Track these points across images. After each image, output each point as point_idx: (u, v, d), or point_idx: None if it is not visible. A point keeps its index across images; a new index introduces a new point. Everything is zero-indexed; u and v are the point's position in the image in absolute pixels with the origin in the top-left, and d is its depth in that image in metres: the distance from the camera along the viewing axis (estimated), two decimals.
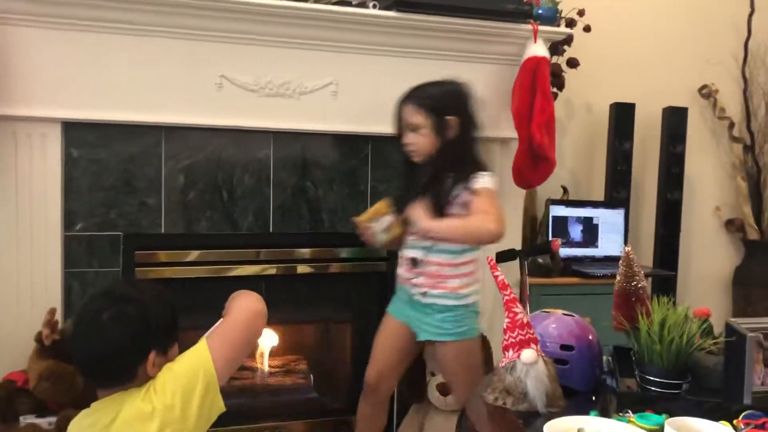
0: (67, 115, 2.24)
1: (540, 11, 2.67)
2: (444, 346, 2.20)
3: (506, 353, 1.64)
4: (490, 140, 2.74)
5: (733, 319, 1.75)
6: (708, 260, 3.97)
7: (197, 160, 2.42)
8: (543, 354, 1.65)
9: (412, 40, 2.54)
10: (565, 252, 3.25)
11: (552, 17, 2.72)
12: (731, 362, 1.69)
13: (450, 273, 2.16)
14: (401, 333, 2.27)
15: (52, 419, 2.06)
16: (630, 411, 1.50)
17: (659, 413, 1.46)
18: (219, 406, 1.46)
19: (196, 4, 2.25)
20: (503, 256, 2.66)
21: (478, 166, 2.15)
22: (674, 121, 3.59)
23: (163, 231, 2.40)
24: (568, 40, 3.14)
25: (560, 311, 1.88)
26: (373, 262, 2.64)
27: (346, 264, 2.65)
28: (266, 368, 2.86)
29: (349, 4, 2.49)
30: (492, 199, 2.09)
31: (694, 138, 3.72)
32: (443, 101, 2.16)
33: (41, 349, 2.08)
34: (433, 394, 2.53)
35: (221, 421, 1.49)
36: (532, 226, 3.38)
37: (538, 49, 2.61)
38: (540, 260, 3.09)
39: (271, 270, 2.56)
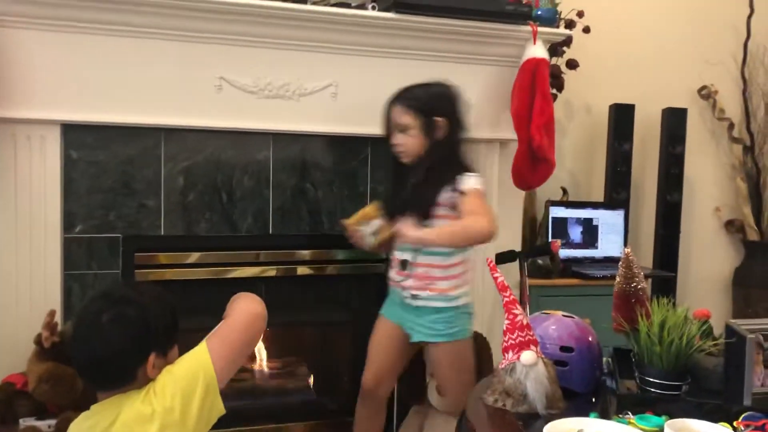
0: (67, 117, 2.24)
1: (539, 12, 2.67)
2: (436, 347, 2.21)
3: (506, 355, 1.63)
4: (489, 141, 2.75)
5: (732, 321, 1.75)
6: (708, 261, 3.97)
7: (196, 161, 2.41)
8: (543, 356, 1.64)
9: (411, 42, 2.54)
10: (564, 253, 3.25)
11: (551, 18, 2.72)
12: (731, 364, 1.69)
13: (439, 275, 2.17)
14: (395, 334, 2.28)
15: (52, 422, 2.06)
16: (630, 412, 1.50)
17: (659, 415, 1.46)
18: (219, 409, 1.46)
19: (195, 6, 2.25)
20: (503, 258, 2.67)
21: (466, 168, 2.17)
22: (674, 122, 3.59)
23: (162, 233, 2.40)
24: (568, 41, 3.15)
25: (560, 313, 1.88)
26: (373, 264, 2.64)
27: (346, 266, 2.65)
28: (266, 370, 2.86)
29: (349, 6, 2.49)
30: (481, 199, 2.11)
31: (694, 139, 3.72)
32: (431, 102, 2.18)
33: (41, 351, 2.07)
34: (433, 396, 2.52)
35: (221, 423, 1.49)
36: (532, 227, 3.38)
37: (538, 51, 2.61)
38: (540, 261, 3.09)
39: (271, 272, 2.56)
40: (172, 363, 1.47)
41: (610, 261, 3.27)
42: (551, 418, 1.46)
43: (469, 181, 2.12)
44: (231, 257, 2.52)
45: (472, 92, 2.65)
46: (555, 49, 3.11)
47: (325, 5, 2.47)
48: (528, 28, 2.60)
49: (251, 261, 2.55)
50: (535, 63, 2.60)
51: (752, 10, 3.84)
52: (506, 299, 1.65)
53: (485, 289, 2.72)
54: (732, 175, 3.98)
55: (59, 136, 2.25)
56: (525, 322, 1.63)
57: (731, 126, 3.90)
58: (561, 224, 3.33)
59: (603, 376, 1.84)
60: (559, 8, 2.91)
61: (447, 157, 2.17)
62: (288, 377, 2.88)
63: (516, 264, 2.72)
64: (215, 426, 1.47)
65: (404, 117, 2.17)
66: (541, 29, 2.61)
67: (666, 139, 3.59)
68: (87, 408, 1.45)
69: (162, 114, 2.32)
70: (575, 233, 3.35)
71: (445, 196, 2.13)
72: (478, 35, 2.59)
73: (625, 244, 3.37)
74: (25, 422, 2.08)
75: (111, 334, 1.39)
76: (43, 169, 2.23)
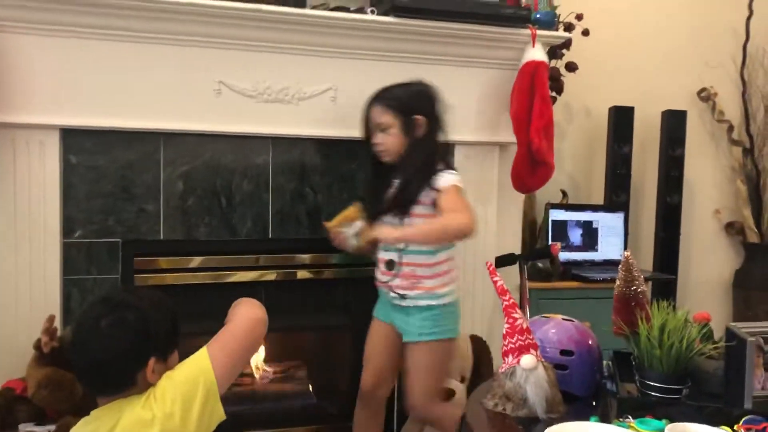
0: (66, 122, 2.24)
1: (538, 16, 2.68)
2: (418, 345, 2.21)
3: (506, 359, 1.63)
4: (488, 144, 2.75)
5: (733, 324, 1.74)
6: (708, 263, 3.97)
7: (196, 166, 2.41)
8: (543, 359, 1.64)
9: (410, 46, 2.54)
10: (564, 256, 3.25)
11: (550, 22, 2.72)
12: (731, 367, 1.69)
13: (425, 273, 2.18)
14: (390, 334, 2.29)
15: (52, 427, 2.05)
16: (630, 416, 1.50)
17: (659, 418, 1.46)
18: (219, 414, 1.46)
19: (193, 11, 2.25)
20: (503, 261, 2.67)
21: (446, 166, 2.19)
22: (673, 124, 3.59)
23: (161, 237, 2.40)
24: (567, 44, 3.15)
25: (560, 316, 1.88)
26: (372, 268, 2.63)
27: (345, 269, 2.64)
28: (266, 374, 2.86)
29: (347, 10, 2.49)
30: (459, 196, 2.12)
31: (694, 141, 3.72)
32: (411, 101, 2.20)
33: (40, 356, 2.07)
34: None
35: (221, 428, 1.49)
36: (532, 230, 3.38)
37: (537, 54, 2.61)
38: (540, 264, 3.08)
39: (270, 276, 2.56)
40: (172, 368, 1.47)
41: (610, 264, 3.27)
42: (551, 422, 1.46)
43: (447, 178, 2.13)
44: (230, 261, 2.52)
45: (471, 95, 2.67)
46: (554, 51, 3.11)
47: (324, 9, 2.47)
48: (527, 31, 2.61)
49: (251, 265, 2.55)
50: (534, 66, 2.60)
51: (751, 12, 3.84)
52: (506, 303, 1.65)
53: (485, 293, 2.72)
54: (732, 177, 3.97)
55: (58, 141, 2.25)
56: (525, 326, 1.63)
57: (731, 128, 3.90)
58: (561, 227, 3.33)
59: (603, 379, 1.83)
60: (558, 11, 2.91)
61: (427, 156, 2.18)
62: (288, 381, 2.87)
63: (516, 267, 2.72)
64: (215, 431, 1.47)
65: (384, 116, 2.19)
66: (540, 32, 2.62)
67: (666, 141, 3.59)
68: (87, 413, 1.45)
69: (161, 118, 2.32)
70: (575, 236, 3.35)
71: (425, 194, 2.14)
72: (477, 38, 2.59)
73: (625, 247, 3.37)
74: (25, 427, 2.08)
75: (110, 338, 1.39)
76: (43, 174, 2.23)
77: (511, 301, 1.65)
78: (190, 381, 1.43)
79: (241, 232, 2.49)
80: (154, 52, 2.29)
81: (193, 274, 2.47)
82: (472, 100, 2.68)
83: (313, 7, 2.48)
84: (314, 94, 2.48)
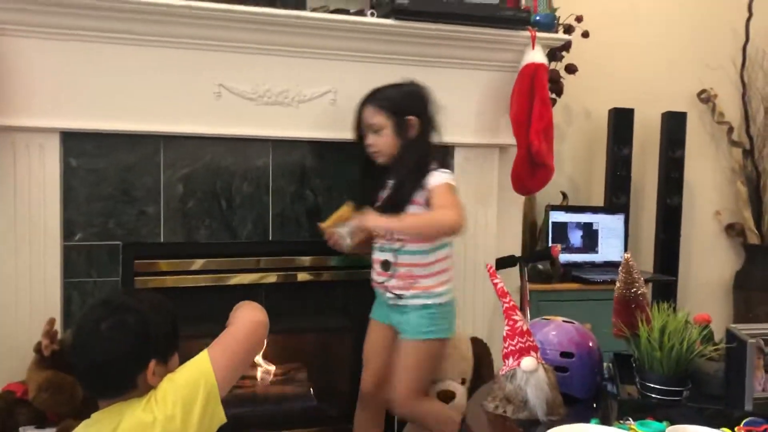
0: (66, 125, 2.24)
1: (538, 18, 2.68)
2: (412, 341, 2.21)
3: (506, 361, 1.64)
4: (488, 147, 2.75)
5: (733, 325, 1.75)
6: (708, 265, 3.97)
7: (196, 168, 2.41)
8: (543, 362, 1.65)
9: (410, 48, 2.54)
10: (565, 258, 3.25)
11: (550, 24, 2.72)
12: (732, 368, 1.69)
13: (421, 273, 2.19)
14: (388, 335, 2.29)
15: (52, 430, 2.05)
16: (631, 418, 1.50)
17: (660, 420, 1.46)
18: (220, 417, 1.46)
19: (193, 14, 2.25)
20: (503, 263, 2.67)
21: (438, 166, 2.19)
22: (673, 125, 3.60)
23: (162, 240, 2.39)
24: (567, 46, 3.15)
25: (560, 318, 1.88)
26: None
27: (346, 272, 2.64)
28: (266, 376, 2.85)
29: (347, 13, 2.49)
30: (450, 193, 2.13)
31: (694, 143, 3.73)
32: (403, 102, 2.21)
33: (40, 359, 2.07)
34: None
35: (222, 431, 1.49)
36: (532, 232, 3.38)
37: (536, 56, 2.61)
38: (540, 266, 3.08)
39: (271, 278, 2.56)
40: (172, 371, 1.47)
41: (611, 265, 3.27)
42: (552, 424, 1.46)
43: (439, 177, 2.14)
44: (231, 264, 2.52)
45: (471, 97, 2.67)
46: (554, 53, 3.12)
47: (324, 12, 2.47)
48: (527, 33, 2.61)
49: (251, 267, 2.54)
50: (533, 68, 2.60)
51: (751, 14, 3.84)
52: (506, 305, 1.65)
53: (485, 295, 2.72)
54: (732, 178, 3.98)
55: (58, 143, 2.25)
56: (525, 328, 1.63)
57: (731, 129, 3.90)
58: (561, 229, 3.33)
59: (604, 381, 1.84)
60: (557, 13, 2.91)
61: (420, 157, 2.19)
62: (288, 384, 2.87)
63: (516, 269, 2.72)
64: None
65: (377, 117, 2.20)
66: (539, 34, 2.62)
67: (666, 143, 3.60)
68: (87, 416, 1.45)
69: (161, 121, 2.32)
70: (575, 238, 3.35)
71: (419, 194, 2.15)
72: (477, 41, 2.59)
73: (626, 249, 3.37)
74: (26, 431, 2.08)
75: (111, 341, 1.39)
76: (43, 177, 2.23)
77: (512, 303, 1.66)
78: (191, 384, 1.43)
79: (241, 235, 2.49)
80: (153, 55, 2.29)
81: (193, 277, 2.47)
82: (471, 102, 2.68)
83: (313, 10, 2.48)
84: (314, 96, 2.49)
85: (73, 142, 2.28)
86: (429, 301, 2.18)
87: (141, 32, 2.25)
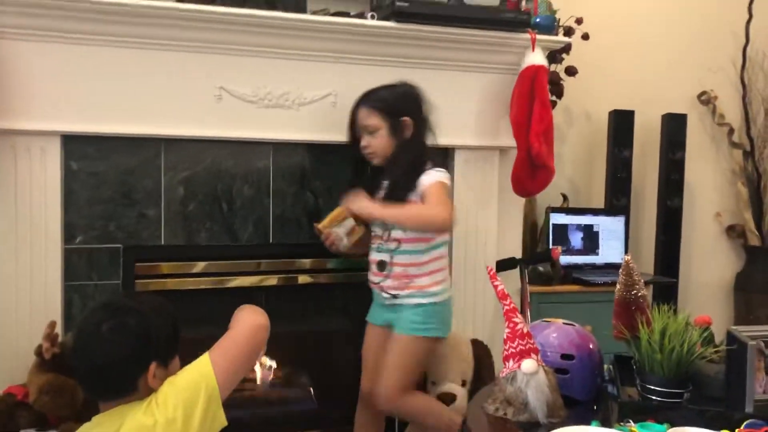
0: (67, 128, 2.24)
1: (538, 20, 2.68)
2: (402, 336, 2.21)
3: (507, 363, 1.64)
4: (489, 149, 2.75)
5: (734, 327, 1.75)
6: (709, 267, 3.97)
7: (196, 171, 2.42)
8: (543, 364, 1.65)
9: (410, 50, 2.55)
10: (565, 260, 3.24)
11: (550, 26, 2.72)
12: (732, 370, 1.69)
13: (416, 272, 2.20)
14: (384, 336, 2.29)
15: None
16: (631, 420, 1.50)
17: (661, 422, 1.46)
18: (221, 421, 1.46)
19: (194, 17, 2.25)
20: (503, 265, 2.67)
21: (433, 165, 2.21)
22: (674, 127, 3.60)
23: (162, 243, 2.40)
24: (567, 48, 3.15)
25: (561, 320, 1.88)
26: None
27: (346, 274, 2.65)
28: (267, 379, 2.85)
29: (348, 15, 2.50)
30: (440, 191, 2.14)
31: (694, 144, 3.73)
32: (397, 103, 2.23)
33: (41, 362, 2.07)
34: None
35: None
36: (533, 234, 3.38)
37: (537, 58, 2.61)
38: (540, 268, 3.08)
39: (272, 280, 2.56)
40: (173, 374, 1.47)
41: (611, 267, 3.27)
42: (552, 426, 1.46)
43: (432, 175, 2.16)
44: (231, 266, 2.52)
45: (471, 100, 2.68)
46: (554, 56, 3.12)
47: (325, 15, 2.47)
48: (527, 35, 2.61)
49: (252, 270, 2.55)
50: (534, 70, 2.60)
51: (751, 16, 3.84)
52: (506, 308, 1.65)
53: (486, 297, 2.72)
54: (732, 180, 3.98)
55: (59, 147, 2.25)
56: (525, 331, 1.63)
57: (731, 131, 3.90)
58: (562, 231, 3.33)
59: (604, 383, 1.84)
60: (557, 15, 2.92)
61: (415, 157, 2.20)
62: (289, 386, 2.87)
63: (517, 271, 2.72)
64: None
65: (371, 119, 2.21)
66: (539, 37, 2.62)
67: (666, 144, 3.60)
68: (88, 419, 1.46)
69: (162, 124, 2.32)
70: (576, 240, 3.35)
71: (414, 195, 2.17)
72: (477, 43, 2.59)
73: (626, 251, 3.37)
74: None
75: (111, 343, 1.40)
76: (44, 181, 2.23)
77: (512, 305, 1.66)
78: (192, 387, 1.43)
79: (242, 237, 2.49)
80: (154, 58, 2.29)
81: (194, 280, 2.47)
82: (472, 104, 2.68)
83: (314, 13, 2.49)
84: (315, 99, 2.49)
85: (73, 145, 2.28)
86: (424, 300, 2.20)
87: (141, 35, 2.25)
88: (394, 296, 2.23)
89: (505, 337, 1.65)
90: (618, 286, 1.82)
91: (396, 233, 2.22)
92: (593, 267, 3.33)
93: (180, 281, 2.45)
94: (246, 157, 2.47)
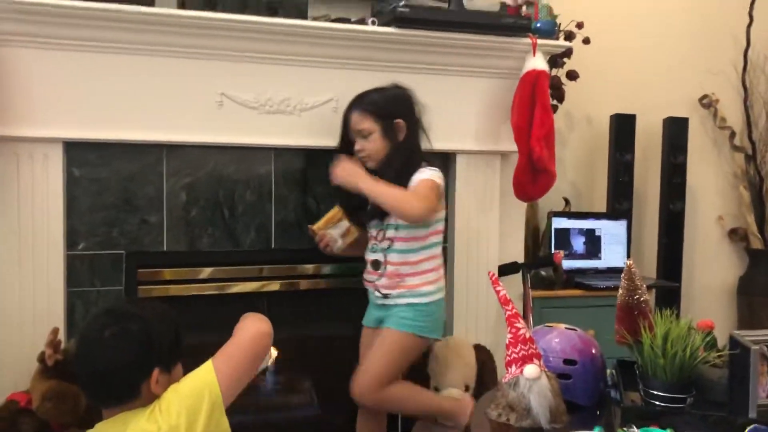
0: (69, 135, 2.24)
1: (539, 25, 2.68)
2: (390, 330, 2.22)
3: (509, 369, 1.64)
4: (490, 153, 2.75)
5: (737, 332, 1.74)
6: (711, 270, 3.96)
7: (198, 177, 2.42)
8: (546, 369, 1.64)
9: (411, 56, 2.55)
10: (567, 264, 3.24)
11: (551, 30, 2.72)
12: (736, 375, 1.69)
13: (408, 271, 2.22)
14: (377, 336, 2.29)
15: None
16: (634, 426, 1.50)
17: (664, 428, 1.46)
18: (224, 427, 1.47)
19: (195, 24, 2.26)
20: (505, 270, 2.67)
21: (427, 165, 2.21)
22: (675, 131, 3.59)
23: (165, 249, 2.40)
24: (568, 52, 3.16)
25: (563, 325, 1.88)
26: None
27: (349, 279, 2.64)
28: (269, 385, 2.85)
29: (349, 21, 2.50)
30: (428, 187, 2.14)
31: (696, 148, 3.73)
32: (389, 106, 2.24)
33: (44, 369, 2.07)
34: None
35: None
36: (535, 238, 3.38)
37: (537, 63, 2.61)
38: (543, 273, 3.08)
39: (274, 286, 2.56)
40: (176, 380, 1.47)
41: (614, 271, 3.26)
42: None
43: (425, 173, 2.17)
44: (233, 272, 2.52)
45: (472, 104, 2.68)
46: (555, 60, 3.12)
47: (326, 21, 2.48)
48: (527, 40, 2.61)
49: (254, 276, 2.55)
50: (535, 75, 2.60)
51: (751, 20, 3.84)
52: (509, 313, 1.65)
53: (488, 302, 2.72)
54: (734, 183, 3.97)
55: (61, 153, 2.26)
56: (528, 336, 1.63)
57: (733, 135, 3.90)
58: (564, 235, 3.33)
59: (607, 388, 1.83)
60: (558, 20, 2.92)
61: (408, 159, 2.21)
62: (292, 392, 2.87)
63: (519, 276, 2.72)
64: None
65: (364, 122, 2.22)
66: (540, 41, 2.62)
67: (668, 148, 3.59)
68: (91, 426, 1.46)
69: (163, 130, 2.33)
70: (578, 244, 3.35)
71: None
72: (478, 48, 2.60)
73: (629, 255, 3.37)
74: None
75: (114, 349, 1.40)
76: (46, 187, 2.24)
77: (514, 310, 1.66)
78: (195, 394, 1.43)
79: (244, 243, 2.49)
80: (156, 65, 2.30)
81: (196, 286, 2.47)
82: (473, 109, 2.68)
83: (315, 19, 2.49)
84: (316, 104, 2.49)
85: (76, 151, 2.28)
86: (414, 300, 2.21)
87: (143, 42, 2.26)
88: (386, 296, 2.24)
89: (507, 342, 1.65)
90: (620, 291, 1.82)
91: (389, 232, 2.23)
92: (595, 271, 3.33)
93: (182, 287, 2.45)
94: (248, 163, 2.47)
